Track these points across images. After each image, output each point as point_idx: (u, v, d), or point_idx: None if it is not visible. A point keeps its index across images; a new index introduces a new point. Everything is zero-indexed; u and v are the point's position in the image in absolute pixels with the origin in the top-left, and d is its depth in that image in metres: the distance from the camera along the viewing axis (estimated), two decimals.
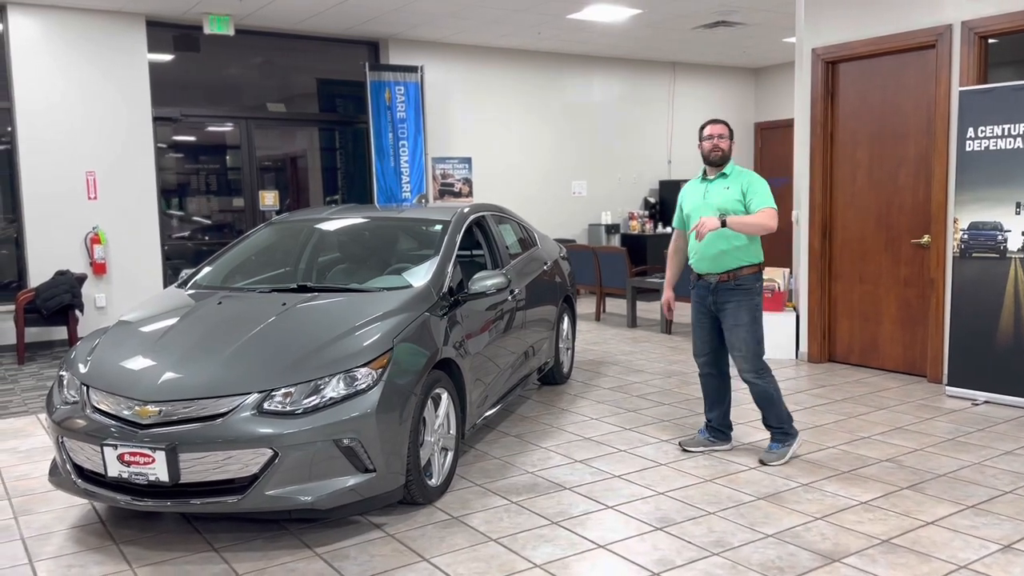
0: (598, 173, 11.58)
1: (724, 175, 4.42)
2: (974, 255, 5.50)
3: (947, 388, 5.73)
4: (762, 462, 4.40)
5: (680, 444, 4.66)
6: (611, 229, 11.42)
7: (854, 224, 6.57)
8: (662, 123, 12.04)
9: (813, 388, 6.01)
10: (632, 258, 10.09)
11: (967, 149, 5.50)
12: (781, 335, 6.94)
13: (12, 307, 7.63)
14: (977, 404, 5.48)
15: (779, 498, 3.93)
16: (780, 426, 4.49)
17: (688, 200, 4.55)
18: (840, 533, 3.53)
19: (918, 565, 3.23)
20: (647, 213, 11.70)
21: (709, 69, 12.42)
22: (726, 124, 4.49)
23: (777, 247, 12.13)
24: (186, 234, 9.44)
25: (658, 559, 3.32)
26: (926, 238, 6.05)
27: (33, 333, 7.79)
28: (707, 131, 4.45)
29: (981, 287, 5.48)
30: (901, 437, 4.83)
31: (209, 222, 9.64)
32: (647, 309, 9.34)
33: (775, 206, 4.30)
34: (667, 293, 4.82)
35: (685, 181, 12.59)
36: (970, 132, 5.48)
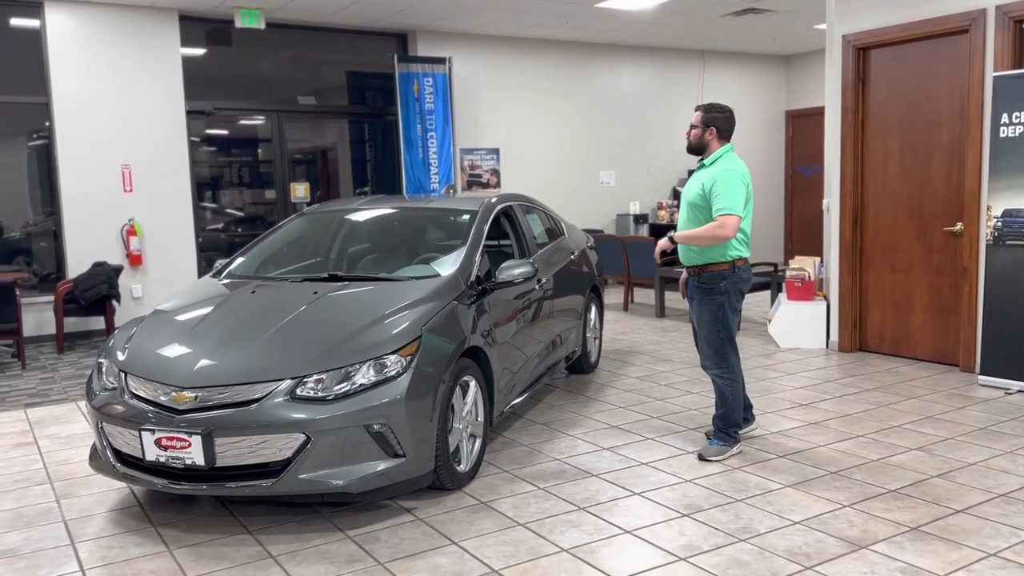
0: (626, 163, 11.56)
1: (704, 165, 4.32)
2: (1008, 243, 5.43)
3: (979, 377, 5.67)
4: (701, 456, 4.33)
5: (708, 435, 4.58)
6: (639, 219, 11.40)
7: (885, 212, 6.51)
8: (691, 112, 11.95)
9: (843, 377, 5.98)
10: None
11: (1001, 135, 5.43)
12: (811, 324, 6.90)
13: (52, 298, 7.81)
14: (1010, 393, 5.42)
15: (807, 486, 3.93)
16: (725, 429, 4.40)
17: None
18: (868, 520, 3.53)
19: (947, 552, 3.22)
20: (676, 203, 11.65)
21: (739, 57, 12.32)
22: (704, 109, 4.33)
23: (808, 236, 12.12)
24: (220, 226, 9.59)
25: (684, 545, 3.34)
26: (959, 226, 5.98)
27: (72, 323, 7.97)
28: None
29: (1015, 275, 5.41)
30: (932, 426, 4.80)
31: (242, 214, 9.78)
32: (675, 299, 9.31)
33: (735, 210, 4.04)
34: (685, 274, 4.61)
35: None
36: (1004, 118, 5.40)
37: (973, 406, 5.18)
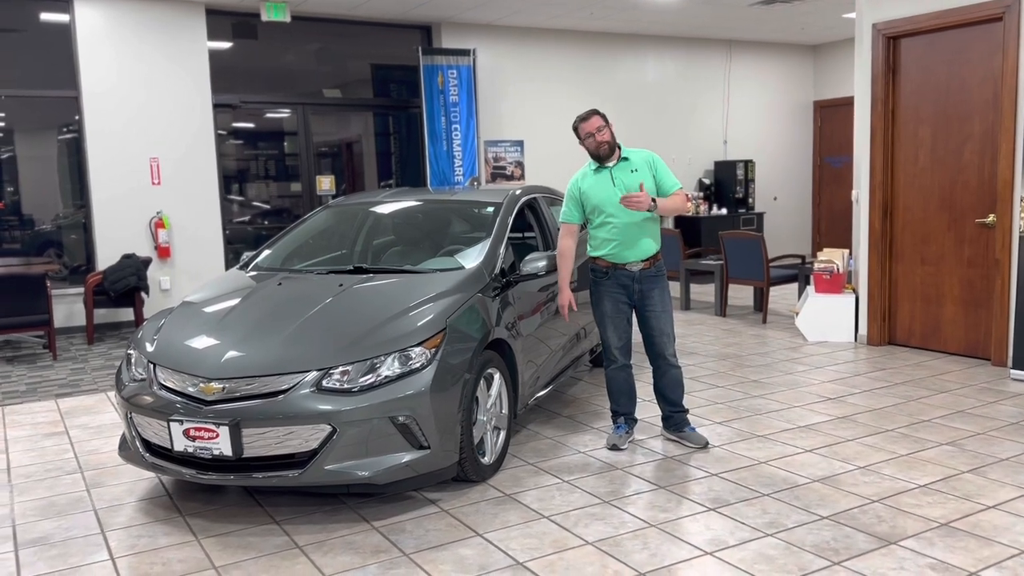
0: None
1: (625, 159, 4.31)
2: None
3: (1011, 371, 5.58)
4: (706, 444, 4.38)
5: (614, 446, 4.39)
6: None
7: (916, 204, 6.41)
8: (718, 103, 11.86)
9: (872, 371, 5.91)
10: (686, 240, 10.01)
11: None
12: (840, 317, 6.82)
13: (82, 290, 7.91)
14: None
15: (835, 480, 3.89)
16: (686, 407, 4.54)
17: (594, 192, 4.29)
18: (897, 516, 3.48)
19: (978, 549, 3.18)
20: (702, 194, 11.57)
21: (766, 47, 12.18)
22: (597, 113, 4.29)
23: (837, 228, 11.97)
24: (246, 219, 9.66)
25: (710, 539, 3.32)
26: (991, 217, 5.88)
27: (101, 315, 8.06)
28: (583, 130, 4.27)
29: None
30: (963, 420, 4.73)
31: (268, 207, 9.85)
32: (701, 291, 9.26)
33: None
34: (568, 294, 4.44)
35: (742, 162, 12.25)
36: None
37: (1005, 400, 5.10)
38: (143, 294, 7.90)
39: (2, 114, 8.36)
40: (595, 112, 4.33)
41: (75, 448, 4.71)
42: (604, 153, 4.30)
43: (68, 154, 8.53)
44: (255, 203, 9.79)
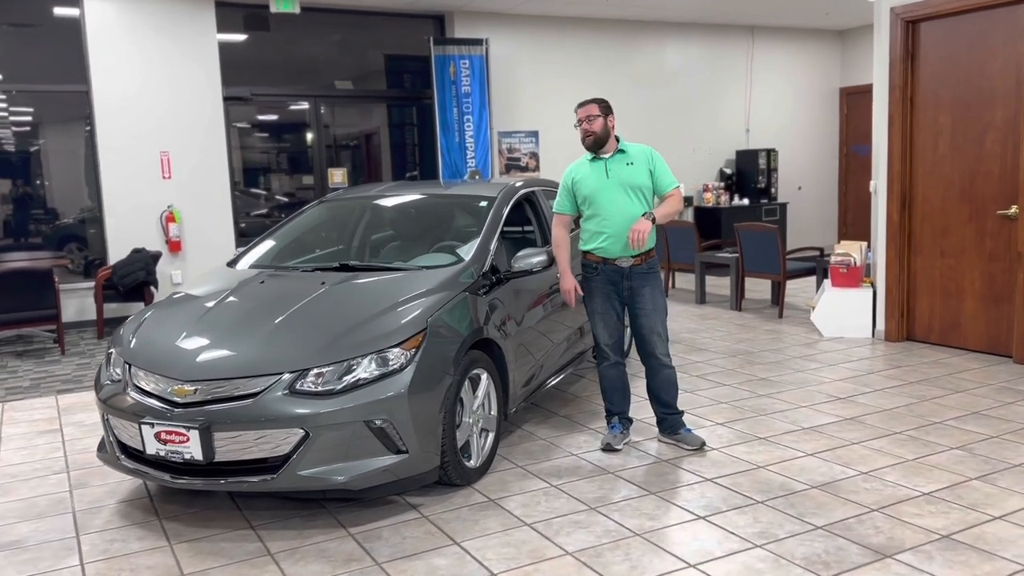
0: (670, 145, 11.18)
1: (622, 151, 4.19)
2: None
3: None
4: (702, 445, 4.22)
5: (608, 446, 4.27)
6: (684, 202, 11.10)
7: (935, 195, 6.17)
8: (739, 91, 11.59)
9: (887, 369, 5.70)
10: (707, 232, 9.82)
11: None
12: (857, 312, 6.60)
13: (92, 283, 7.92)
14: None
15: (834, 487, 3.72)
16: (681, 409, 4.37)
17: (586, 182, 4.19)
18: (896, 527, 3.31)
19: (979, 564, 3.00)
20: (722, 185, 11.33)
21: (790, 32, 11.87)
22: (596, 102, 4.18)
23: (863, 218, 11.65)
24: (263, 211, 9.63)
25: (696, 550, 3.18)
26: (1014, 209, 5.62)
27: (111, 309, 8.06)
28: (577, 115, 4.19)
29: None
30: (976, 423, 4.52)
31: (285, 199, 9.80)
32: (717, 284, 9.05)
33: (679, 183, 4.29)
34: (571, 280, 4.27)
35: (764, 151, 11.95)
36: None
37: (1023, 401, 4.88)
38: (152, 288, 7.89)
39: (31, 108, 8.40)
40: (595, 101, 4.23)
41: (66, 447, 4.68)
42: (588, 144, 4.20)
43: (92, 148, 8.55)
44: (268, 196, 9.76)
